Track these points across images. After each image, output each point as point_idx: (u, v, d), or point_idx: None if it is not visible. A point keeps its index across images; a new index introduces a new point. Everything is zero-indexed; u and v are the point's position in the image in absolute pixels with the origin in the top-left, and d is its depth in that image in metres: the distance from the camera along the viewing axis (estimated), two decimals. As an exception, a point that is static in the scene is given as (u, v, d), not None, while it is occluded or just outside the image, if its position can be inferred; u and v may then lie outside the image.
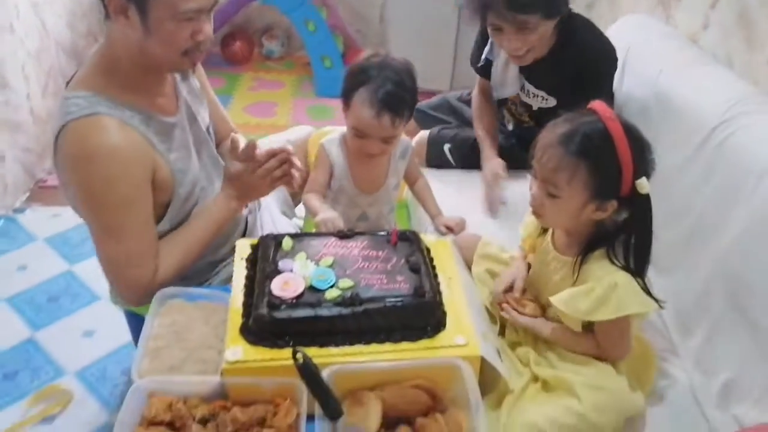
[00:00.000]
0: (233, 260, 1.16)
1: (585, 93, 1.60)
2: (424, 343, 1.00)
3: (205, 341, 1.06)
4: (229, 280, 1.13)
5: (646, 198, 1.05)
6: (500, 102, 1.85)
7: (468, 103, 1.98)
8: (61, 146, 1.13)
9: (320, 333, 0.99)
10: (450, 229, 1.51)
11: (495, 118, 1.87)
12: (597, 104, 1.06)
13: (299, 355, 0.89)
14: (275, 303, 0.99)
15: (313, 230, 1.37)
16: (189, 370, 1.01)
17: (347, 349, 0.98)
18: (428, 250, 1.17)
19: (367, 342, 0.99)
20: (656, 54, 1.71)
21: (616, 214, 1.06)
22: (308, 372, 0.89)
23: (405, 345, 0.99)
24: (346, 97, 1.35)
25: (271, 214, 1.62)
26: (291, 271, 1.05)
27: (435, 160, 1.90)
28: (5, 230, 2.25)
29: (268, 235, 1.16)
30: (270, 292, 1.01)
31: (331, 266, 1.07)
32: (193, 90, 1.38)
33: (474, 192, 1.74)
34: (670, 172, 1.44)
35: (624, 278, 1.06)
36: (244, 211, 1.45)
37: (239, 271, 1.12)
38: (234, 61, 3.59)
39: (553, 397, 1.08)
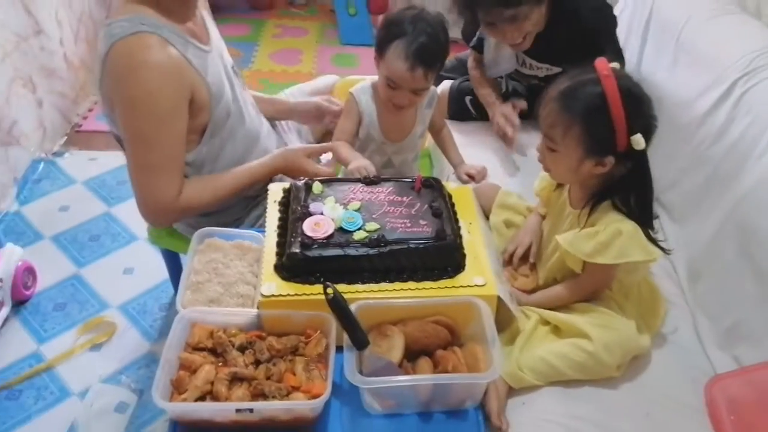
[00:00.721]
0: (264, 201, 1.23)
1: (589, 55, 1.61)
2: (445, 282, 1.06)
3: (241, 277, 1.14)
4: (259, 218, 1.20)
5: (643, 154, 1.06)
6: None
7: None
8: (107, 67, 1.20)
9: (348, 271, 1.06)
10: (471, 177, 1.55)
11: (496, 86, 1.83)
12: (598, 61, 1.07)
13: (329, 290, 0.96)
14: (307, 242, 1.06)
15: (340, 176, 1.44)
16: (227, 303, 1.10)
17: (373, 286, 1.05)
18: (450, 197, 1.23)
19: (392, 280, 1.06)
20: (683, 3, 1.69)
21: (617, 168, 1.08)
22: (338, 306, 0.96)
23: (427, 284, 1.06)
24: (381, 48, 1.37)
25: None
26: (321, 213, 1.12)
27: (457, 111, 1.91)
28: (46, 172, 2.36)
29: (299, 180, 1.22)
30: (302, 232, 1.08)
31: (358, 210, 1.14)
32: (217, 33, 1.44)
33: (495, 143, 1.76)
34: (691, 122, 1.46)
35: (629, 227, 1.09)
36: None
37: (272, 213, 1.19)
38: (258, 6, 3.58)
39: (564, 337, 1.14)
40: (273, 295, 1.03)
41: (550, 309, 1.18)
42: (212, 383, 0.95)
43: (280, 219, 1.17)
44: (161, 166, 1.26)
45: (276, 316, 1.04)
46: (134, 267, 1.99)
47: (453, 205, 1.21)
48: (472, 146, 1.69)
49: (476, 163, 1.59)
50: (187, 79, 1.24)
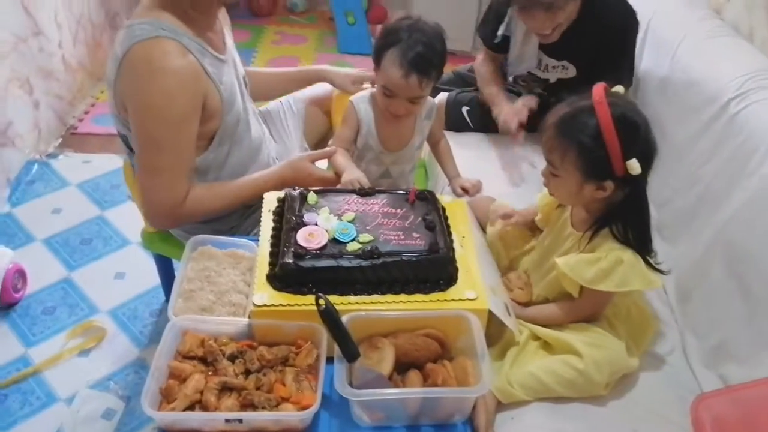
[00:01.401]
0: (260, 210, 1.24)
1: (606, 58, 1.63)
2: (437, 295, 1.07)
3: (234, 286, 1.14)
4: (255, 226, 1.20)
5: (641, 179, 1.08)
6: (512, 80, 1.85)
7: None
8: (124, 67, 1.22)
9: (341, 282, 1.06)
10: (466, 191, 1.56)
11: (504, 85, 1.86)
12: (595, 87, 1.08)
13: (321, 301, 0.96)
14: (300, 253, 1.07)
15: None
16: (218, 311, 1.10)
17: (365, 297, 1.06)
18: (444, 210, 1.23)
19: (384, 292, 1.07)
20: (679, 23, 1.72)
21: (616, 193, 1.09)
22: (329, 317, 0.96)
23: (418, 296, 1.07)
24: (377, 56, 1.39)
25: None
26: (315, 224, 1.13)
27: (453, 122, 1.92)
28: (40, 174, 2.35)
29: (294, 190, 1.23)
30: (296, 242, 1.08)
31: (352, 221, 1.14)
32: (233, 43, 1.47)
33: (491, 154, 1.78)
34: (684, 141, 1.48)
35: (629, 255, 1.10)
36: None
37: (266, 223, 1.19)
38: (258, 13, 3.59)
39: (555, 353, 1.14)
40: (265, 305, 1.04)
41: (542, 325, 1.18)
42: (202, 392, 0.95)
43: (274, 228, 1.17)
44: (170, 170, 1.28)
45: (267, 325, 1.04)
46: (126, 271, 1.98)
47: (447, 218, 1.22)
48: (468, 159, 1.70)
49: (473, 176, 1.59)
50: (201, 87, 1.26)
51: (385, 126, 1.48)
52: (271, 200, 1.25)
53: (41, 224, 2.13)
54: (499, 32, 1.79)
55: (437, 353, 1.04)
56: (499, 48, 1.82)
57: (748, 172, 1.26)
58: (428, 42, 1.34)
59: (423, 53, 1.33)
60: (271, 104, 1.78)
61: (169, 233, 1.53)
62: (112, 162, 2.39)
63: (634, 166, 1.04)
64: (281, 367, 1.01)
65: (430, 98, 1.53)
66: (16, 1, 2.22)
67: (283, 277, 1.06)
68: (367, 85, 1.57)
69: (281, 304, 1.04)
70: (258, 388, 0.97)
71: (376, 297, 1.06)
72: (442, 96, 1.96)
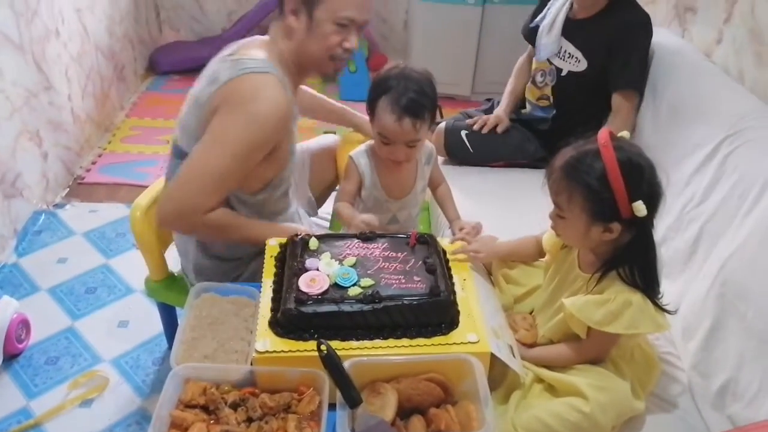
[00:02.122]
0: (263, 255, 1.25)
1: (617, 56, 1.80)
2: (438, 339, 1.07)
3: (236, 333, 1.14)
4: (257, 272, 1.21)
5: (647, 220, 1.09)
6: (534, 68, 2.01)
7: (485, 111, 2.09)
8: (226, 88, 1.27)
9: (343, 327, 1.07)
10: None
11: (525, 82, 2.07)
12: (601, 131, 1.11)
13: (323, 347, 0.96)
14: (302, 298, 1.07)
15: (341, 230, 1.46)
16: (221, 359, 1.09)
17: (367, 342, 1.06)
18: (444, 252, 1.25)
19: (386, 337, 1.07)
20: (670, 66, 1.76)
21: (623, 236, 1.10)
22: (331, 363, 0.96)
23: (420, 341, 1.06)
24: (371, 106, 1.43)
25: (299, 213, 1.72)
26: (317, 269, 1.14)
27: (453, 146, 2.03)
28: (46, 224, 2.38)
29: (296, 236, 1.25)
30: (297, 288, 1.09)
31: (353, 266, 1.15)
32: None
33: (497, 195, 1.82)
34: (681, 181, 1.50)
35: (638, 299, 1.10)
36: None
37: (269, 269, 1.20)
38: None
39: (559, 395, 1.13)
40: (267, 351, 1.04)
41: (547, 366, 1.18)
42: (203, 442, 0.94)
43: (276, 275, 1.18)
44: (214, 180, 1.30)
45: (270, 372, 1.04)
46: (129, 320, 1.98)
47: (447, 261, 1.23)
48: (470, 199, 1.73)
49: (473, 218, 1.61)
50: (287, 128, 1.34)
51: (387, 175, 1.51)
52: (273, 246, 1.26)
53: (47, 274, 2.14)
54: (534, 22, 2.00)
55: (440, 398, 1.03)
56: (531, 37, 2.03)
57: (744, 212, 1.27)
58: (418, 87, 1.39)
59: (414, 97, 1.38)
60: None
61: (171, 281, 1.53)
62: (119, 211, 2.42)
63: (640, 208, 1.06)
64: (283, 414, 1.00)
65: (428, 144, 1.57)
66: (29, 59, 2.29)
67: (285, 323, 1.07)
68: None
69: (283, 350, 1.04)
70: (260, 437, 0.96)
71: (377, 342, 1.06)
72: (440, 125, 2.03)
